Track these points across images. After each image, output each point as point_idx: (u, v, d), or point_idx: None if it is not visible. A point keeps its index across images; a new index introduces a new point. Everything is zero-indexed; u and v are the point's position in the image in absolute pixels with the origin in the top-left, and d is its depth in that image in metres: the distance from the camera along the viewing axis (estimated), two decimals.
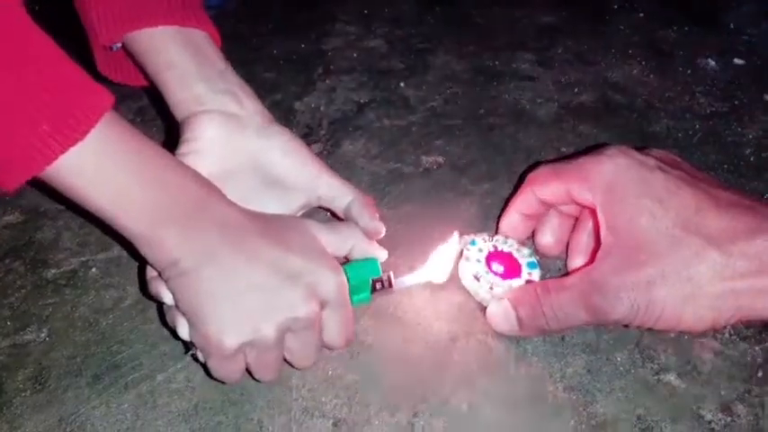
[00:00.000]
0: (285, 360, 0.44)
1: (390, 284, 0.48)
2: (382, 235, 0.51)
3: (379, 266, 0.49)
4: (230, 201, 0.44)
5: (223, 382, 0.44)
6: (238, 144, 0.49)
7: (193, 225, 0.41)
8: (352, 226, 0.50)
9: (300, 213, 0.53)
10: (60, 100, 0.36)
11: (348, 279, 0.46)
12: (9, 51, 0.35)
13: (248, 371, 0.44)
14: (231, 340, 0.40)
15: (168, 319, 0.44)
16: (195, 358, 0.44)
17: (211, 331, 0.40)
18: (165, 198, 0.41)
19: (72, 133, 0.36)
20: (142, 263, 0.45)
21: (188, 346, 0.44)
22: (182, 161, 0.45)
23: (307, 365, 0.45)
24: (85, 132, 0.37)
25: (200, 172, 0.44)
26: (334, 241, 0.48)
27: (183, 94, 0.49)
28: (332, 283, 0.44)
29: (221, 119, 0.49)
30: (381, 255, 0.50)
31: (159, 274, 0.43)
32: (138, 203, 0.40)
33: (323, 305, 0.43)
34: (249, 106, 0.51)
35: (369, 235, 0.50)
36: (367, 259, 0.49)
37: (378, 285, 0.48)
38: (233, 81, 0.51)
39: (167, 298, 0.43)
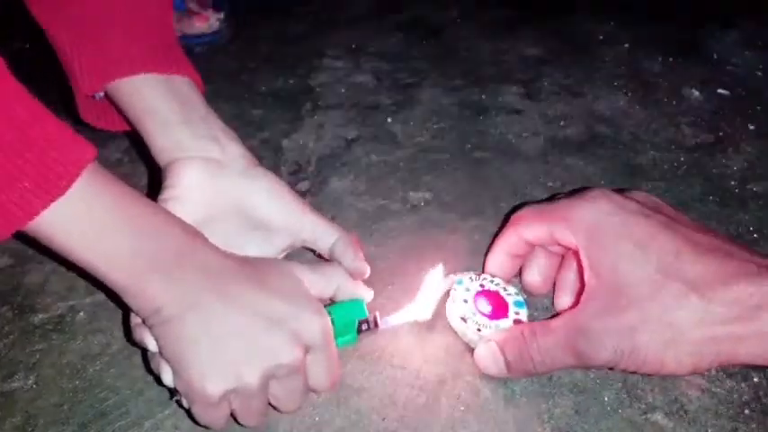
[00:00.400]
0: (271, 405, 0.44)
1: (376, 325, 0.49)
2: (367, 275, 0.51)
3: (365, 307, 0.49)
4: (214, 246, 0.44)
5: (208, 429, 0.44)
6: (221, 188, 0.49)
7: (176, 273, 0.41)
8: (336, 266, 0.50)
9: (284, 255, 0.53)
10: (41, 157, 0.36)
11: (333, 321, 0.46)
12: None
13: (234, 416, 0.43)
14: (214, 387, 0.40)
15: (152, 365, 0.44)
16: (180, 404, 0.44)
17: (194, 378, 0.40)
18: (146, 247, 0.41)
19: (53, 189, 0.37)
20: (127, 309, 0.45)
21: (173, 392, 0.44)
22: (164, 208, 0.46)
23: (292, 410, 0.45)
24: (66, 187, 0.37)
25: (183, 218, 0.45)
26: (319, 282, 0.48)
27: (164, 141, 0.49)
28: (316, 327, 0.44)
29: (203, 164, 0.49)
30: (367, 295, 0.50)
31: (143, 321, 0.43)
32: (120, 254, 0.40)
33: (307, 349, 0.43)
34: (232, 150, 0.51)
35: (353, 275, 0.51)
36: (353, 300, 0.49)
37: (364, 326, 0.48)
38: (215, 126, 0.51)
39: (151, 345, 0.43)
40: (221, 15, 0.88)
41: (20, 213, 0.36)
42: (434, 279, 0.52)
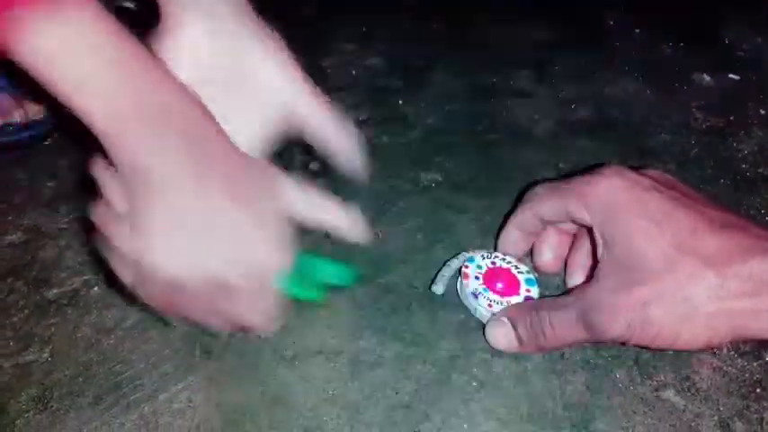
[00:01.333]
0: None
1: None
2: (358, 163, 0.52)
3: (350, 276, 0.49)
4: (211, 119, 0.43)
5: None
6: (218, 48, 0.47)
7: (158, 126, 0.40)
8: (330, 201, 0.48)
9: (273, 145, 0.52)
10: None
11: (299, 268, 0.45)
12: None
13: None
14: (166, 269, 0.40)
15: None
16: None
17: (150, 245, 0.40)
18: (131, 90, 0.39)
19: None
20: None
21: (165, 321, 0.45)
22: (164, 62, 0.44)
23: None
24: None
25: (177, 74, 0.43)
26: (302, 206, 0.47)
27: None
28: (263, 260, 0.43)
29: (201, 18, 0.47)
30: (355, 234, 0.49)
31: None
32: (104, 91, 0.38)
33: (249, 276, 0.42)
34: (235, 4, 0.49)
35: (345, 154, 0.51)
36: (341, 266, 0.49)
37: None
38: None
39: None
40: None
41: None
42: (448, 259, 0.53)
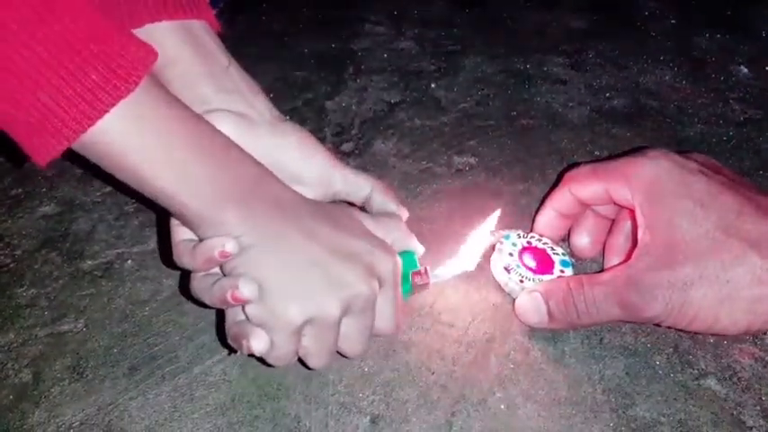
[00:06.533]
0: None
1: (428, 277, 0.48)
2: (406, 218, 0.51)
3: (417, 260, 0.49)
4: (282, 181, 0.44)
5: (271, 366, 0.43)
6: (250, 143, 0.45)
7: (251, 202, 0.40)
8: (393, 218, 0.50)
9: None
10: (107, 47, 0.34)
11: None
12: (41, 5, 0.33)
13: (300, 359, 0.43)
14: (297, 313, 0.39)
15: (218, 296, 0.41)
16: (232, 350, 0.44)
17: (278, 304, 0.40)
18: (221, 173, 0.40)
19: (123, 83, 0.34)
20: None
21: (231, 349, 0.43)
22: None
23: (358, 352, 0.44)
24: (135, 83, 0.35)
25: None
26: (377, 232, 0.47)
27: (187, 94, 0.43)
28: (389, 263, 0.44)
29: (229, 120, 0.46)
30: (420, 248, 0.50)
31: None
32: (194, 178, 0.38)
33: (380, 285, 0.43)
34: (258, 104, 0.49)
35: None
36: (405, 252, 0.49)
37: (417, 279, 0.48)
38: (238, 77, 0.49)
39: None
40: None
41: (88, 110, 0.34)
42: (482, 232, 0.52)
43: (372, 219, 0.47)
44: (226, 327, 0.43)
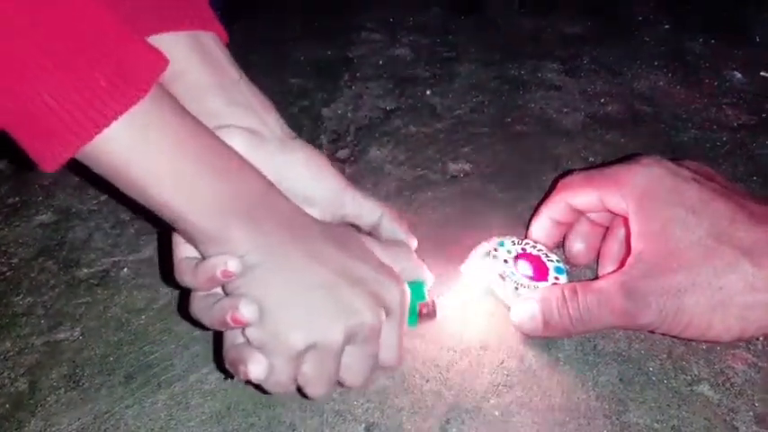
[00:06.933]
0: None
1: (435, 309, 0.48)
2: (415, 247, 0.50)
3: (425, 291, 0.48)
4: (289, 199, 0.43)
5: (265, 393, 0.42)
6: (260, 160, 0.43)
7: (258, 219, 0.39)
8: (402, 246, 0.49)
9: None
10: (117, 52, 0.33)
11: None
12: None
13: (298, 389, 0.42)
14: (299, 338, 0.38)
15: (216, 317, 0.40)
16: (228, 376, 0.44)
17: (280, 327, 0.38)
18: (232, 189, 0.39)
19: (132, 90, 0.33)
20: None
21: (227, 374, 0.43)
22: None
23: (359, 383, 0.43)
24: (146, 90, 0.34)
25: None
26: (385, 260, 0.45)
27: (196, 108, 0.41)
28: (396, 293, 0.42)
29: (241, 135, 0.45)
30: (429, 278, 0.49)
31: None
32: (204, 193, 0.37)
33: (386, 315, 0.42)
34: (269, 120, 0.48)
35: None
36: (414, 282, 0.47)
37: (424, 310, 0.47)
38: (248, 91, 0.48)
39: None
40: None
41: (96, 117, 0.33)
42: (478, 261, 0.52)
43: (381, 245, 0.46)
44: (224, 350, 0.42)
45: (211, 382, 0.47)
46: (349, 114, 0.72)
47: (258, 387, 0.42)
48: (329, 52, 0.82)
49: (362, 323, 0.40)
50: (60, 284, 0.53)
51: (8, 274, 0.54)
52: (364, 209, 0.50)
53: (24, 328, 0.50)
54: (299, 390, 0.42)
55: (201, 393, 0.46)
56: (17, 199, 0.61)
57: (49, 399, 0.46)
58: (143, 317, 0.51)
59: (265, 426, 0.44)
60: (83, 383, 0.46)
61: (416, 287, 0.47)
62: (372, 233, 0.50)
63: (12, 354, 0.48)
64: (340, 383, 0.43)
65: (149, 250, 0.56)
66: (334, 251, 0.41)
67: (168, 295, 0.52)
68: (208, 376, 0.47)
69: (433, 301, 0.48)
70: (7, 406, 0.45)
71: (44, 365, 0.47)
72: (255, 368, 0.39)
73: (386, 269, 0.44)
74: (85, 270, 0.54)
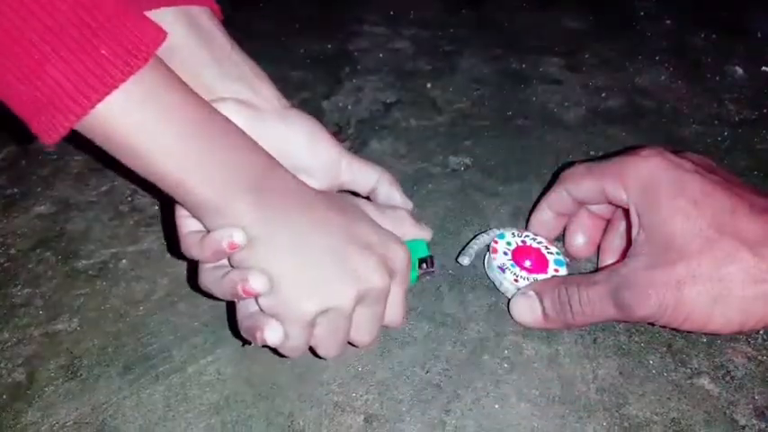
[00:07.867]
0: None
1: (433, 264, 0.49)
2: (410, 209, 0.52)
3: (427, 246, 0.49)
4: (288, 170, 0.43)
5: (281, 356, 0.43)
6: (256, 132, 0.43)
7: (263, 190, 0.40)
8: (400, 212, 0.50)
9: None
10: (118, 22, 0.33)
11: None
12: None
13: (311, 349, 0.43)
14: (311, 304, 0.39)
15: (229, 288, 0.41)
16: (246, 342, 0.45)
17: (291, 295, 0.39)
18: (233, 159, 0.39)
19: (133, 59, 0.33)
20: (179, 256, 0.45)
21: (244, 340, 0.44)
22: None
23: (368, 342, 0.44)
24: (146, 59, 0.34)
25: None
26: (386, 225, 0.46)
27: (190, 82, 0.40)
28: (401, 255, 0.44)
29: (236, 108, 0.45)
30: (428, 235, 0.50)
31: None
32: (207, 163, 0.37)
33: (391, 277, 0.43)
34: (264, 92, 0.48)
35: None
36: (415, 240, 0.49)
37: (424, 265, 0.48)
38: (244, 65, 0.48)
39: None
40: None
41: (97, 84, 0.33)
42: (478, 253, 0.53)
43: (379, 210, 0.47)
44: (238, 318, 0.43)
45: (210, 373, 0.46)
46: (350, 107, 0.72)
47: (274, 350, 0.42)
48: (330, 45, 0.82)
49: (372, 287, 0.41)
50: (59, 275, 0.53)
51: (6, 265, 0.54)
52: (361, 175, 0.51)
53: (23, 319, 0.50)
54: (311, 349, 0.43)
55: (199, 385, 0.46)
56: (15, 190, 0.60)
57: (46, 389, 0.45)
58: (141, 308, 0.50)
59: (264, 417, 0.44)
60: (81, 374, 0.46)
61: (416, 244, 0.49)
62: (370, 197, 0.52)
63: (10, 344, 0.48)
64: (350, 342, 0.44)
65: (148, 242, 0.55)
66: (338, 218, 0.42)
67: (167, 287, 0.52)
68: (206, 367, 0.47)
69: (432, 256, 0.49)
70: (5, 396, 0.45)
71: (42, 356, 0.47)
72: (272, 334, 0.40)
73: (389, 233, 0.45)
74: (84, 261, 0.54)
